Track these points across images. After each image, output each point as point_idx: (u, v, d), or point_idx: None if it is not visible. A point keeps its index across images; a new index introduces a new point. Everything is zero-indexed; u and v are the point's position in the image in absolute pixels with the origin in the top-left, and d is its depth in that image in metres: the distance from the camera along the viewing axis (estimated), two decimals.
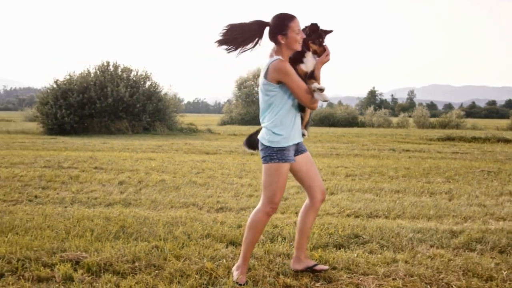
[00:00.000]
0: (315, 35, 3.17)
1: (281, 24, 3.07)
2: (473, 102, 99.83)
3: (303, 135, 3.33)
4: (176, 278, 3.24)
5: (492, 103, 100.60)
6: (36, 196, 6.03)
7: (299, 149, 3.26)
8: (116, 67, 22.26)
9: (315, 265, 3.36)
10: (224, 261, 3.56)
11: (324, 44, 3.19)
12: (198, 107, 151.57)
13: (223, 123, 37.41)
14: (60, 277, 3.22)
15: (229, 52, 3.12)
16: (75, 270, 3.36)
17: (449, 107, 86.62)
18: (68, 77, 21.70)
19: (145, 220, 4.78)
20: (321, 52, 3.18)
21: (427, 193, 6.60)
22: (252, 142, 3.47)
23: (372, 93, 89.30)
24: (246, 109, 37.82)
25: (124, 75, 22.23)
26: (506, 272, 3.44)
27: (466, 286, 3.21)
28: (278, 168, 3.11)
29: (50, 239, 4.05)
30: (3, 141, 14.92)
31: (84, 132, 20.45)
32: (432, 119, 35.47)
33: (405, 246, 4.03)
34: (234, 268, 3.32)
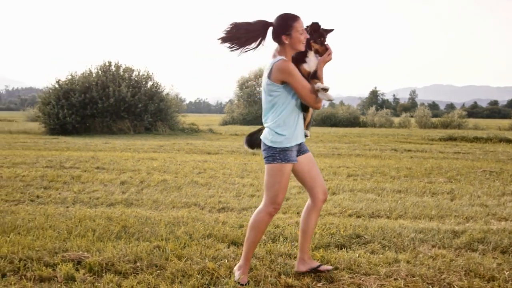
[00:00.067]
0: (317, 34, 3.16)
1: (285, 24, 3.06)
2: (475, 102, 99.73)
3: (306, 135, 3.32)
4: (177, 278, 3.24)
5: (494, 103, 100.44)
6: (38, 196, 6.04)
7: (301, 150, 3.26)
8: (118, 67, 22.29)
9: (319, 265, 3.35)
10: (226, 261, 3.57)
11: (325, 43, 3.19)
12: (200, 107, 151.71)
13: (225, 123, 37.42)
14: (62, 277, 3.23)
15: (231, 51, 3.11)
16: (77, 270, 3.36)
17: (451, 107, 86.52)
18: (70, 77, 21.74)
19: (146, 220, 4.78)
20: (323, 51, 3.17)
21: (429, 193, 6.59)
22: (252, 141, 3.46)
23: (374, 93, 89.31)
24: (247, 109, 37.82)
25: (126, 75, 22.26)
26: (508, 272, 3.43)
27: (468, 286, 3.20)
28: (281, 169, 3.11)
29: (52, 239, 4.05)
30: (5, 141, 14.95)
31: (86, 132, 20.48)
32: (434, 119, 35.42)
33: (407, 246, 4.03)
34: (235, 268, 3.31)
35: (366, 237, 4.27)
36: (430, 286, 3.20)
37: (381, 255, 3.77)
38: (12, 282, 3.16)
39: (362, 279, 3.30)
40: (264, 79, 3.14)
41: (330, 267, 3.38)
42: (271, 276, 3.30)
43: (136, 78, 22.38)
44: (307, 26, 3.17)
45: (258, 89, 38.25)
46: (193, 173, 8.14)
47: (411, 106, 74.33)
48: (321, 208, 3.35)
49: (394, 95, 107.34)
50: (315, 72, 3.15)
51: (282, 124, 3.10)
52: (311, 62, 3.17)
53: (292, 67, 3.04)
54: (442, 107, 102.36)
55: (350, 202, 5.85)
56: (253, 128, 3.69)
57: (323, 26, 3.19)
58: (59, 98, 20.68)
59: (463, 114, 34.77)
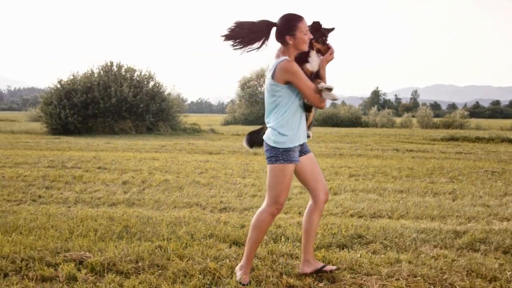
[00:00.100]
0: (318, 34, 3.16)
1: (289, 25, 3.05)
2: (477, 102, 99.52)
3: (308, 136, 3.32)
4: (179, 278, 3.24)
5: (496, 103, 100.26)
6: (39, 196, 6.05)
7: (303, 150, 3.26)
8: (119, 67, 22.32)
9: (324, 266, 3.35)
10: (228, 261, 3.57)
11: (327, 42, 3.18)
12: (202, 107, 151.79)
13: (226, 123, 37.43)
14: (63, 277, 3.23)
15: (234, 49, 3.09)
16: (79, 269, 3.37)
17: (452, 107, 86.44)
18: (71, 77, 21.77)
19: (148, 220, 4.79)
20: (325, 51, 3.17)
21: (430, 193, 6.58)
22: (252, 140, 3.46)
23: (376, 93, 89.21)
24: (249, 109, 37.82)
25: (128, 75, 22.28)
26: (510, 272, 3.42)
27: (469, 286, 3.20)
28: (284, 169, 3.11)
29: (53, 239, 4.06)
30: (7, 141, 14.98)
31: (87, 132, 20.51)
32: (436, 119, 35.38)
33: (409, 247, 4.02)
34: (237, 268, 3.31)
35: (367, 237, 4.26)
36: (431, 287, 3.20)
37: (382, 255, 3.77)
38: (14, 282, 3.16)
39: (364, 279, 3.30)
40: (268, 80, 3.13)
41: (334, 267, 3.37)
42: (272, 276, 3.30)
43: (137, 78, 22.39)
44: (308, 26, 3.17)
45: (259, 89, 38.22)
46: (195, 173, 8.14)
47: (413, 106, 74.27)
48: (323, 208, 3.34)
49: (396, 95, 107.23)
50: (318, 71, 3.15)
51: (285, 125, 3.10)
52: (314, 61, 3.17)
53: (296, 67, 3.04)
54: (444, 107, 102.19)
55: (352, 202, 5.84)
56: (254, 128, 3.68)
57: (324, 25, 3.19)
58: (61, 98, 20.71)
59: (465, 114, 34.71)
